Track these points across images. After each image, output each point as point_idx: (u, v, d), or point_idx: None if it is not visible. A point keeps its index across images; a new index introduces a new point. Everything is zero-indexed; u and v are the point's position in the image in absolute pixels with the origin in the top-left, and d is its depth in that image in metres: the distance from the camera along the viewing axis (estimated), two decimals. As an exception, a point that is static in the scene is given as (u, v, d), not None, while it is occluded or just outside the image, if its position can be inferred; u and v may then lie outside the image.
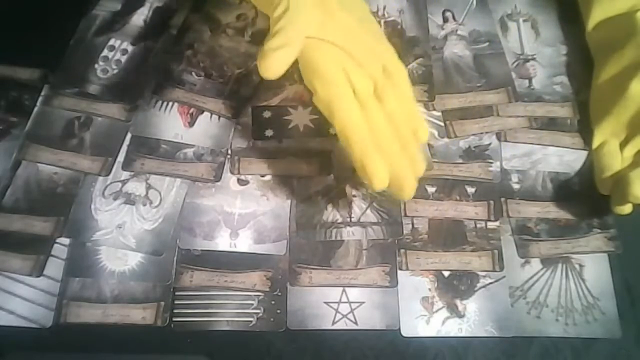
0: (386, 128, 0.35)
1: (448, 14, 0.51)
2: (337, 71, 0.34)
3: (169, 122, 0.45)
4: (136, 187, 0.43)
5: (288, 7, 0.33)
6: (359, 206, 0.43)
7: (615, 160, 0.41)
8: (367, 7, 0.38)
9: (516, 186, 0.44)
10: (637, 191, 0.37)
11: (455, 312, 0.40)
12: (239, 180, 0.44)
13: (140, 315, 0.39)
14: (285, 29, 0.33)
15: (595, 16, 0.46)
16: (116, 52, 0.48)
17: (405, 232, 0.42)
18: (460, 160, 0.45)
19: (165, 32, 0.49)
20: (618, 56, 0.43)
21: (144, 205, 0.42)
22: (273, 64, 0.33)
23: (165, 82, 0.47)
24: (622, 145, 0.42)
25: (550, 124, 0.46)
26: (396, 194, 0.34)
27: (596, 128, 0.44)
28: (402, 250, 0.41)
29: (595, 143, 0.43)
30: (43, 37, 0.48)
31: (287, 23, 0.33)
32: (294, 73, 0.46)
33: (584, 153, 0.45)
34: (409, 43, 0.49)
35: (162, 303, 0.39)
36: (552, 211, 0.43)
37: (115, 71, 0.47)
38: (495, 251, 0.42)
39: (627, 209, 0.40)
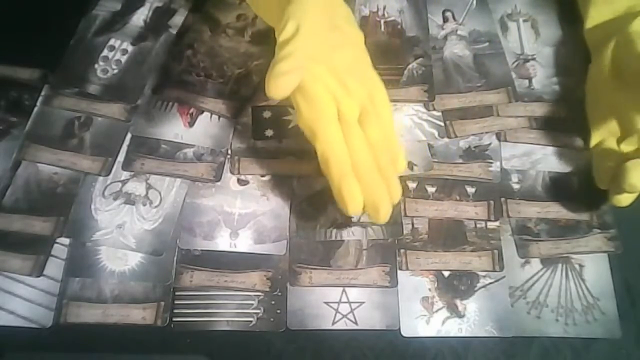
0: (366, 154, 0.35)
1: (448, 14, 0.51)
2: (325, 93, 0.35)
3: (169, 122, 0.45)
4: (136, 187, 0.43)
5: (298, 30, 0.33)
6: (359, 206, 0.43)
7: (612, 155, 0.41)
8: (362, 35, 0.38)
9: (516, 186, 0.44)
10: (634, 179, 0.37)
11: (455, 312, 0.40)
12: (239, 180, 0.44)
13: (140, 315, 0.39)
14: (296, 53, 0.33)
15: (593, 18, 0.46)
16: (116, 52, 0.48)
17: (405, 232, 0.42)
18: (460, 160, 0.45)
19: (165, 32, 0.49)
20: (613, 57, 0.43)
21: (144, 205, 0.42)
22: (281, 87, 0.33)
23: (165, 82, 0.47)
24: (619, 142, 0.42)
25: (550, 124, 0.46)
26: (372, 217, 0.35)
27: (593, 127, 0.44)
28: (402, 250, 0.41)
29: (593, 142, 0.43)
30: (43, 37, 0.48)
31: (298, 48, 0.33)
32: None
33: (584, 153, 0.44)
34: (409, 43, 0.49)
35: (162, 303, 0.39)
36: (552, 211, 0.43)
37: (115, 71, 0.47)
38: (495, 251, 0.42)
39: (624, 200, 0.40)
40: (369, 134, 0.36)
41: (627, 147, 0.41)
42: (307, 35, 0.34)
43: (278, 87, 0.33)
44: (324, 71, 0.35)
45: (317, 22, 0.35)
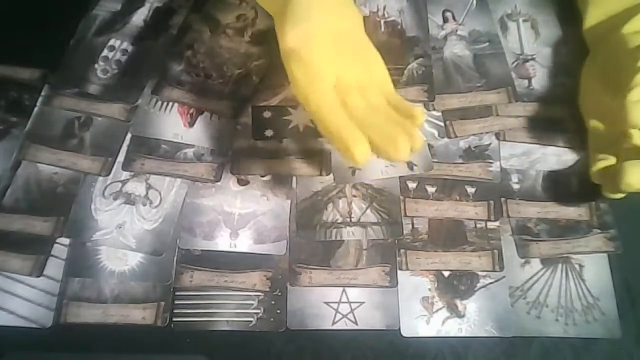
0: (368, 111, 0.34)
1: (448, 14, 0.51)
2: (322, 60, 0.34)
3: (169, 122, 0.45)
4: (136, 187, 0.43)
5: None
6: (359, 206, 0.43)
7: (608, 154, 0.41)
8: (361, 16, 0.38)
9: (516, 186, 0.44)
10: (631, 179, 0.37)
11: (455, 312, 0.40)
12: (239, 180, 0.44)
13: (140, 315, 0.39)
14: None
15: (592, 17, 0.46)
16: (116, 52, 0.48)
17: (405, 232, 0.42)
18: (460, 160, 0.45)
19: (165, 32, 0.49)
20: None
21: (144, 205, 0.42)
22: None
23: (165, 82, 0.47)
24: (613, 141, 0.42)
25: (550, 124, 0.46)
26: (389, 154, 0.33)
27: (587, 125, 0.44)
28: (402, 250, 0.41)
29: (590, 141, 0.43)
30: (43, 37, 0.48)
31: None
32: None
33: (584, 153, 0.44)
34: (409, 43, 0.49)
35: (162, 303, 0.39)
36: (552, 211, 0.43)
37: (115, 71, 0.47)
38: (495, 251, 0.42)
39: (618, 194, 0.40)
40: (370, 100, 0.35)
41: (623, 145, 0.41)
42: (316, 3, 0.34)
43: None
44: (324, 39, 0.35)
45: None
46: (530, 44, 0.50)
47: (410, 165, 0.44)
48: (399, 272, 0.41)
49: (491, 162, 0.45)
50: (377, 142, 0.33)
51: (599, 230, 0.43)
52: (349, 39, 0.37)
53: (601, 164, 0.41)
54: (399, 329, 0.39)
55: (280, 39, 0.35)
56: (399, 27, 0.50)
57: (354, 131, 0.33)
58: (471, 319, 0.40)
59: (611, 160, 0.41)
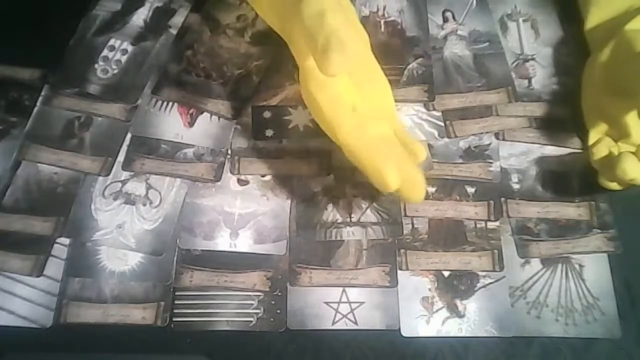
0: (386, 141, 0.35)
1: (448, 14, 0.51)
2: (343, 90, 0.35)
3: (169, 122, 0.45)
4: (136, 187, 0.43)
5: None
6: (359, 206, 0.43)
7: (608, 150, 0.41)
8: (367, 36, 0.38)
9: (516, 186, 0.44)
10: (626, 166, 0.37)
11: (455, 312, 0.40)
12: (239, 180, 0.44)
13: (140, 315, 0.39)
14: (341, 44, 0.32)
15: (594, 17, 0.46)
16: (116, 52, 0.48)
17: (405, 232, 0.42)
18: (460, 160, 0.45)
19: (165, 32, 0.49)
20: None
21: (144, 205, 0.42)
22: (340, 63, 0.32)
23: (165, 82, 0.47)
24: (615, 141, 0.42)
25: (550, 124, 0.46)
26: (409, 194, 0.35)
27: (589, 126, 0.44)
28: (402, 250, 0.41)
29: (590, 141, 0.43)
30: (43, 37, 0.48)
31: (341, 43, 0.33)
32: (294, 72, 0.47)
33: (584, 153, 0.44)
34: (409, 43, 0.49)
35: (162, 303, 0.39)
36: (552, 211, 0.43)
37: (115, 71, 0.47)
38: (495, 251, 0.42)
39: (613, 184, 0.40)
40: (380, 131, 0.36)
41: (622, 146, 0.41)
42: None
43: (338, 62, 0.32)
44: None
45: (337, 18, 0.34)
46: (530, 44, 0.50)
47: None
48: (399, 272, 0.41)
49: (491, 162, 0.45)
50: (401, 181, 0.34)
51: (599, 230, 0.43)
52: (361, 64, 0.37)
53: (602, 151, 0.41)
54: (399, 329, 0.39)
55: (321, 66, 0.33)
56: (399, 27, 0.50)
57: (387, 159, 0.34)
58: (471, 319, 0.40)
59: (612, 151, 0.41)
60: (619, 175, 0.38)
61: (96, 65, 0.47)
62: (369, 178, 0.35)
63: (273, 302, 0.40)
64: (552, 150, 0.45)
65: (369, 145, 0.35)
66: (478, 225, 0.43)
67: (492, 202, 0.43)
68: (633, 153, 0.38)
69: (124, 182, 0.43)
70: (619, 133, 0.40)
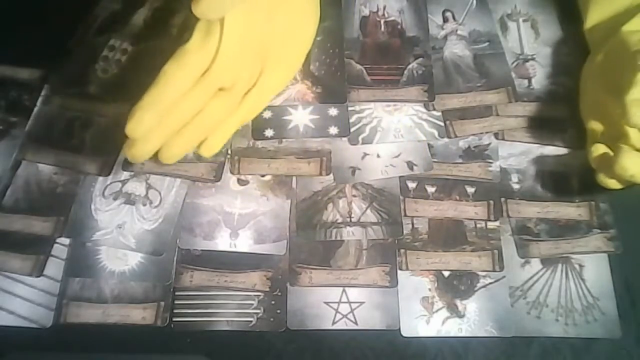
0: (184, 112, 0.37)
1: (448, 14, 0.51)
2: (212, 44, 0.36)
3: (169, 122, 0.45)
4: (136, 187, 0.43)
5: None
6: (359, 206, 0.43)
7: (606, 148, 0.41)
8: (316, 21, 0.39)
9: (516, 186, 0.44)
10: (626, 162, 0.37)
11: (455, 312, 0.40)
12: (239, 180, 0.44)
13: (140, 315, 0.39)
14: None
15: (593, 17, 0.46)
16: (116, 52, 0.48)
17: (405, 232, 0.42)
18: (460, 160, 0.45)
19: (165, 32, 0.49)
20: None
21: (144, 205, 0.42)
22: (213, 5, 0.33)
23: (165, 82, 0.46)
24: (614, 141, 0.42)
25: (550, 124, 0.46)
26: (127, 150, 0.36)
27: (587, 125, 0.44)
28: (402, 250, 0.41)
29: (589, 140, 0.43)
30: (43, 37, 0.48)
31: None
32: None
33: (584, 153, 0.44)
34: (409, 43, 0.49)
35: (162, 303, 0.39)
36: (552, 211, 0.43)
37: (115, 71, 0.47)
38: (495, 251, 0.42)
39: (611, 182, 0.40)
40: (213, 104, 0.37)
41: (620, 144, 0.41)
42: None
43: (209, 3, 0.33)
44: (236, 28, 0.36)
45: None
46: (530, 44, 0.50)
47: (410, 165, 0.44)
48: (399, 272, 0.41)
49: (490, 162, 0.45)
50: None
51: (599, 230, 0.43)
52: (265, 41, 0.37)
53: (600, 149, 0.41)
54: (399, 329, 0.39)
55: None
56: (399, 27, 0.50)
57: (155, 107, 0.35)
58: (471, 319, 0.40)
59: (610, 149, 0.41)
60: (618, 172, 0.37)
61: (96, 65, 0.47)
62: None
63: (273, 302, 0.40)
64: (552, 150, 0.45)
65: (156, 94, 0.35)
66: (478, 225, 0.43)
67: (492, 202, 0.43)
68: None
69: (124, 182, 0.43)
70: (617, 133, 0.40)
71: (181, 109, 0.36)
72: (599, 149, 0.41)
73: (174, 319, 0.39)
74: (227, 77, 0.37)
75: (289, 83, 0.45)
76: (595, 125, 0.43)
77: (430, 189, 0.44)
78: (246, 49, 0.37)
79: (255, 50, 0.38)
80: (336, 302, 0.40)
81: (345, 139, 0.45)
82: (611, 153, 0.40)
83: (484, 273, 0.41)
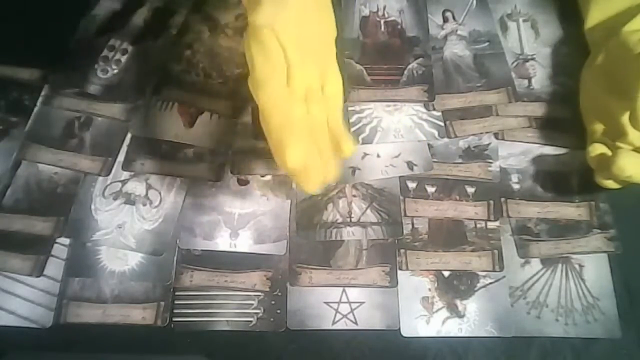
0: (306, 121, 0.34)
1: (448, 14, 0.51)
2: (281, 53, 0.33)
3: (169, 122, 0.45)
4: (136, 187, 0.43)
5: None
6: (359, 206, 0.43)
7: (605, 148, 0.41)
8: (335, 29, 0.38)
9: (516, 186, 0.44)
10: (623, 163, 0.37)
11: (455, 312, 0.40)
12: (239, 180, 0.44)
13: (140, 315, 0.39)
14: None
15: (594, 17, 0.46)
16: (116, 52, 0.48)
17: (405, 232, 0.42)
18: (460, 160, 0.45)
19: (165, 32, 0.49)
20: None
21: (144, 205, 0.42)
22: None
23: (165, 82, 0.47)
24: (614, 141, 0.42)
25: (550, 124, 0.46)
26: (300, 184, 0.33)
27: (587, 125, 0.44)
28: (402, 250, 0.41)
29: (589, 140, 0.43)
30: (43, 37, 0.48)
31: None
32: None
33: (584, 153, 0.44)
34: (409, 43, 0.49)
35: (162, 303, 0.39)
36: (552, 211, 0.43)
37: (115, 71, 0.47)
38: (495, 251, 0.42)
39: (610, 182, 0.40)
40: (312, 111, 0.34)
41: (619, 146, 0.41)
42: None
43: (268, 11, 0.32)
44: (288, 33, 0.34)
45: None
46: (530, 44, 0.50)
47: (410, 165, 0.44)
48: (399, 272, 0.41)
49: (490, 162, 0.45)
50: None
51: (599, 230, 0.43)
52: (315, 41, 0.36)
53: (598, 149, 0.41)
54: (399, 329, 0.39)
55: (251, 14, 0.33)
56: (399, 27, 0.50)
57: (296, 135, 0.32)
58: (471, 319, 0.40)
59: (608, 150, 0.41)
60: (615, 172, 0.37)
61: (96, 65, 0.47)
62: (271, 148, 0.33)
63: (273, 302, 0.40)
64: (552, 150, 0.45)
65: (285, 118, 0.33)
66: (478, 225, 0.43)
67: (492, 202, 0.43)
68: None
69: (124, 182, 0.43)
70: (616, 133, 0.40)
71: (305, 123, 0.34)
72: (597, 149, 0.41)
73: (174, 319, 0.39)
74: (307, 78, 0.35)
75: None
76: (595, 125, 0.43)
77: (430, 189, 0.44)
78: (305, 47, 0.36)
79: (312, 47, 0.36)
80: (336, 302, 0.40)
81: (345, 139, 0.45)
82: (609, 153, 0.40)
83: (484, 273, 0.41)
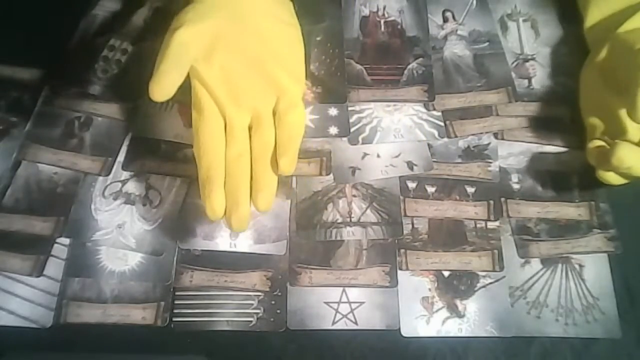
0: (238, 164, 0.35)
1: (448, 14, 0.51)
2: (210, 102, 0.36)
3: (169, 122, 0.45)
4: (136, 187, 0.43)
5: (191, 20, 0.35)
6: (359, 206, 0.43)
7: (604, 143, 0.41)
8: (297, 27, 0.38)
9: (516, 186, 0.44)
10: (622, 154, 0.36)
11: (455, 312, 0.40)
12: (239, 180, 0.43)
13: (140, 315, 0.39)
14: (180, 51, 0.35)
15: (593, 16, 0.46)
16: (116, 52, 0.48)
17: (405, 232, 0.42)
18: (460, 160, 0.45)
19: (165, 32, 0.49)
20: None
21: (144, 205, 0.42)
22: (164, 89, 0.34)
23: (165, 82, 0.47)
24: (614, 138, 0.42)
25: (550, 124, 0.46)
26: (228, 223, 0.35)
27: (586, 124, 0.44)
28: (402, 250, 0.41)
29: (589, 139, 0.43)
30: (43, 37, 0.48)
31: (186, 42, 0.35)
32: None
33: (583, 152, 0.44)
34: (409, 43, 0.49)
35: (162, 303, 0.39)
36: (552, 211, 0.43)
37: (115, 71, 0.47)
38: (495, 251, 0.42)
39: (612, 178, 0.40)
40: (256, 138, 0.36)
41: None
42: (201, 27, 0.35)
43: (160, 89, 0.34)
44: (213, 75, 0.36)
45: (218, 14, 0.35)
46: (530, 44, 0.50)
47: (410, 165, 0.44)
48: (399, 272, 0.41)
49: (490, 162, 0.45)
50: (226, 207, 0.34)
51: (599, 230, 0.43)
52: (256, 60, 0.37)
53: (597, 142, 0.41)
54: (399, 329, 0.39)
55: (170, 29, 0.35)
56: (399, 27, 0.50)
57: (218, 182, 0.34)
58: (471, 319, 0.40)
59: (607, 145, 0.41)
60: (614, 164, 0.37)
61: (96, 65, 0.47)
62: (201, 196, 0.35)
63: (273, 302, 0.40)
64: (552, 150, 0.45)
65: (210, 167, 0.35)
66: (478, 225, 0.43)
67: (491, 202, 0.43)
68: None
69: (124, 182, 0.43)
70: (616, 131, 0.40)
71: (235, 167, 0.36)
72: (596, 144, 0.41)
73: (174, 319, 0.39)
74: (245, 115, 0.37)
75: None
76: (595, 124, 0.43)
77: (430, 189, 0.44)
78: (244, 79, 0.37)
79: (255, 74, 0.37)
80: (336, 302, 0.40)
81: (345, 139, 0.45)
82: (608, 147, 0.40)
83: (484, 273, 0.41)
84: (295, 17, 0.41)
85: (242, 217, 0.34)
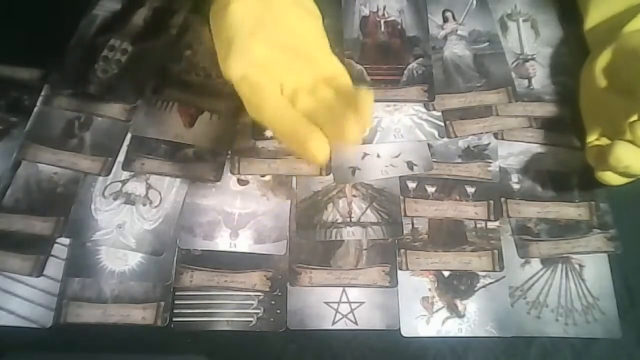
0: (315, 106, 0.34)
1: (448, 14, 0.51)
2: (267, 77, 0.34)
3: (169, 122, 0.45)
4: (136, 187, 0.43)
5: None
6: (359, 206, 0.43)
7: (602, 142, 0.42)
8: (319, 14, 0.37)
9: (516, 186, 0.44)
10: (620, 153, 0.36)
11: (455, 312, 0.40)
12: (239, 180, 0.44)
13: (140, 315, 0.39)
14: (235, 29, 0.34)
15: (593, 17, 0.46)
16: (116, 52, 0.48)
17: (405, 232, 0.42)
18: (460, 160, 0.45)
19: (165, 32, 0.49)
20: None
21: (144, 205, 0.42)
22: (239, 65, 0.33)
23: (165, 82, 0.47)
24: (613, 138, 0.42)
25: (550, 124, 0.46)
26: (341, 139, 0.32)
27: (587, 126, 0.44)
28: (402, 250, 0.41)
29: (588, 139, 0.43)
30: (43, 37, 0.48)
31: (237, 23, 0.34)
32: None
33: (583, 153, 0.44)
34: (409, 43, 0.49)
35: (162, 303, 0.39)
36: (552, 211, 0.43)
37: (115, 71, 0.47)
38: (495, 251, 0.42)
39: (611, 178, 0.40)
40: (318, 97, 0.34)
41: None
42: (249, 2, 0.34)
43: (236, 67, 0.33)
44: (265, 52, 0.34)
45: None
46: (530, 44, 0.50)
47: (410, 165, 0.44)
48: (399, 272, 0.41)
49: (490, 162, 0.45)
50: (328, 130, 0.32)
51: (599, 230, 0.43)
52: (294, 43, 0.36)
53: (596, 142, 0.41)
54: (399, 329, 0.39)
55: (225, 72, 0.34)
56: (399, 27, 0.50)
57: (308, 126, 0.32)
58: (471, 319, 0.40)
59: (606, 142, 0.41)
60: (612, 163, 0.37)
61: (96, 65, 0.47)
62: (300, 154, 0.33)
63: (273, 302, 0.40)
64: (552, 150, 0.45)
65: (292, 119, 0.32)
66: (478, 225, 0.43)
67: (491, 202, 0.43)
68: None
69: (124, 182, 0.43)
70: (616, 132, 0.40)
71: (318, 111, 0.33)
72: (595, 144, 0.41)
73: (174, 319, 0.39)
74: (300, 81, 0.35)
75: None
76: (595, 124, 0.43)
77: (430, 189, 0.44)
78: (285, 54, 0.36)
79: (293, 53, 0.36)
80: (336, 302, 0.40)
81: (345, 139, 0.45)
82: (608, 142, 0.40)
83: (484, 273, 0.41)
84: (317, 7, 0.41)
85: (356, 130, 0.32)
